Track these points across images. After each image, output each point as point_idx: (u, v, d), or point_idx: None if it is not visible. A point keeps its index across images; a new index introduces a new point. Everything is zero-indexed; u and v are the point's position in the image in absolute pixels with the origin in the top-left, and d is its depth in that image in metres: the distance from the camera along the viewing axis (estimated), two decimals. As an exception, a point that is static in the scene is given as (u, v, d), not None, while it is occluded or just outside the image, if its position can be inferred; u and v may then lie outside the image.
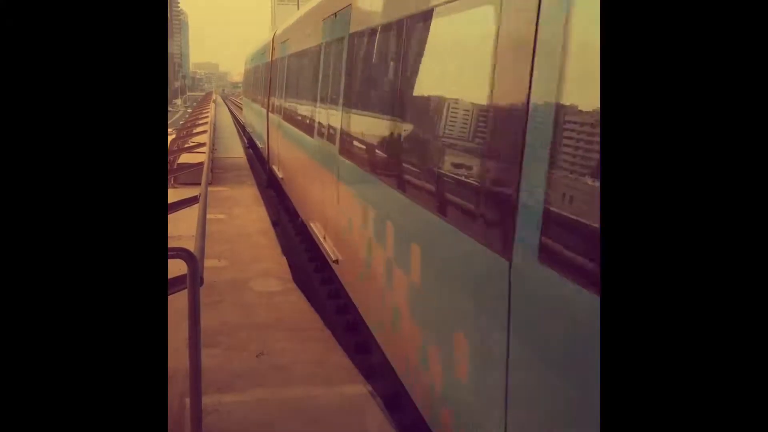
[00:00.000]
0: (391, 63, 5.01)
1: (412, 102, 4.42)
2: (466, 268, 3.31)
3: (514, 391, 2.82)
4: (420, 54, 4.33)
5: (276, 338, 6.26)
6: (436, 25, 4.03)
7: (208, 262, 7.48)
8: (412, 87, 4.46)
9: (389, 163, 4.82)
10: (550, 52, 2.54)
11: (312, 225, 8.56)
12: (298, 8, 18.86)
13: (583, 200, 2.34)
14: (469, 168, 3.30)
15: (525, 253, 2.66)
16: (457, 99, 3.67)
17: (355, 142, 6.10)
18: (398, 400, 4.95)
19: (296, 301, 7.40)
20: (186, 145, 17.97)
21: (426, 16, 4.14)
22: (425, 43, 4.23)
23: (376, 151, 5.29)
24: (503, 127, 2.94)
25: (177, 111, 68.74)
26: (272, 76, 15.79)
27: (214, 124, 24.46)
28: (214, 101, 48.03)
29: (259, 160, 21.42)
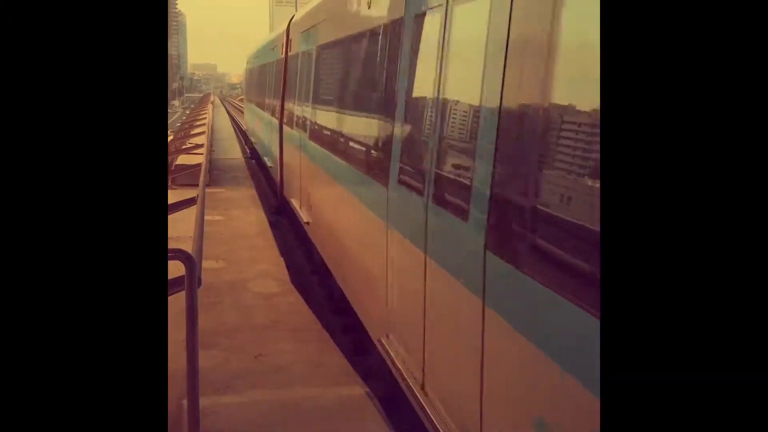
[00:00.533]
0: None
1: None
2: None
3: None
4: None
5: (274, 339, 6.26)
6: None
7: (206, 264, 7.48)
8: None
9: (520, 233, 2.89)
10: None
11: (384, 340, 4.83)
12: (296, 9, 18.28)
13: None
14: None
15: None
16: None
17: (450, 183, 3.66)
18: (396, 402, 4.95)
19: (294, 302, 7.40)
20: (184, 147, 17.96)
21: None
22: None
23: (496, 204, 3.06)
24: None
25: (175, 112, 68.73)
26: (287, 76, 11.89)
27: (212, 126, 24.43)
28: (212, 103, 47.98)
29: (266, 179, 17.78)
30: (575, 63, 2.59)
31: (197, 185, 8.75)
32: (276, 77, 13.88)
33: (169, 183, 13.08)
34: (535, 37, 2.85)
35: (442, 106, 3.78)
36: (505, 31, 3.02)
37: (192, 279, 3.82)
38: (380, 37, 5.34)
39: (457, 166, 3.60)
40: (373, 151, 5.42)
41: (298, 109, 10.04)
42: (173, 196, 7.23)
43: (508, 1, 3.02)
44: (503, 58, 3.01)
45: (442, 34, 3.82)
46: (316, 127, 8.22)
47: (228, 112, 57.36)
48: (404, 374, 4.25)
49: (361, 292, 5.91)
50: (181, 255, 3.74)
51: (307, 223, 8.80)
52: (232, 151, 23.94)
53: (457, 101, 3.72)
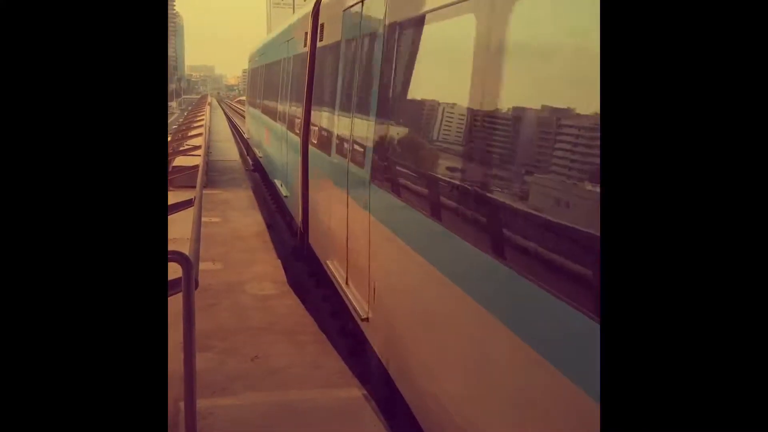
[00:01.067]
0: None
1: None
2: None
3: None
4: None
5: (271, 341, 6.25)
6: None
7: (203, 265, 7.46)
8: None
9: None
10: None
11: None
12: (294, 11, 17.65)
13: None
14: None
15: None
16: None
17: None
18: (393, 404, 4.94)
19: (291, 304, 7.39)
20: (181, 149, 17.94)
21: None
22: None
23: None
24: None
25: (172, 113, 68.66)
26: (316, 76, 8.36)
27: (210, 128, 24.40)
28: (210, 104, 47.98)
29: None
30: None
31: (194, 187, 8.73)
32: (294, 78, 10.21)
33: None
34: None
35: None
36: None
37: (189, 281, 3.81)
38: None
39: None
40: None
41: (341, 124, 6.35)
42: (170, 198, 7.21)
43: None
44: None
45: None
46: (394, 160, 4.69)
47: (225, 114, 57.34)
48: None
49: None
50: (178, 257, 3.73)
51: (366, 319, 5.36)
52: (230, 153, 23.92)
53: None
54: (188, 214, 6.27)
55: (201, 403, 4.36)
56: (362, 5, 5.92)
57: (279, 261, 9.20)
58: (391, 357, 4.83)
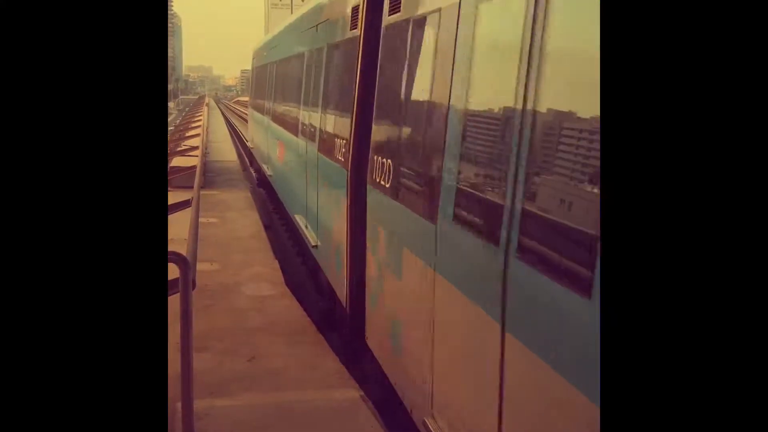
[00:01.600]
0: None
1: None
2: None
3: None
4: None
5: (268, 342, 6.25)
6: None
7: (201, 266, 7.46)
8: None
9: None
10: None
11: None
12: (292, 12, 15.47)
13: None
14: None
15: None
16: None
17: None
18: (390, 405, 4.95)
19: (288, 305, 7.39)
20: (179, 149, 17.93)
21: None
22: None
23: None
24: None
25: (170, 113, 68.50)
26: (385, 74, 5.18)
27: (207, 128, 24.38)
28: (207, 105, 47.99)
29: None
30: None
31: (192, 187, 8.73)
32: (330, 76, 7.16)
33: (164, 185, 13.04)
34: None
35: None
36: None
37: (186, 281, 3.81)
38: None
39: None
40: None
41: (455, 159, 3.61)
42: (168, 198, 7.21)
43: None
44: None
45: None
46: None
47: (223, 114, 57.34)
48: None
49: None
50: (176, 257, 3.73)
51: None
52: (227, 154, 23.91)
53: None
54: (186, 214, 6.28)
55: (198, 404, 4.36)
56: None
57: (276, 262, 9.20)
58: None
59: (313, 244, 7.67)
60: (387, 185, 4.74)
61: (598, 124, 2.17)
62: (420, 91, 4.29)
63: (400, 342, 4.52)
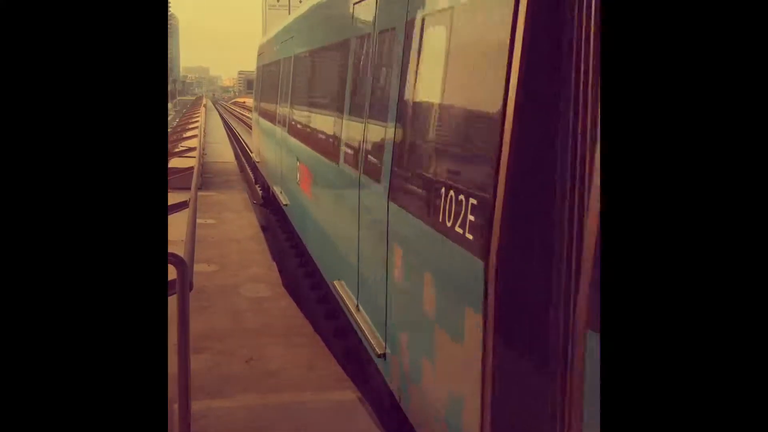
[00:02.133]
0: None
1: None
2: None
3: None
4: None
5: (265, 344, 6.24)
6: None
7: (198, 267, 7.45)
8: None
9: None
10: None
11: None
12: (289, 13, 13.59)
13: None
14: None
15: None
16: None
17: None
18: (387, 406, 4.95)
19: (286, 306, 7.39)
20: (176, 150, 17.92)
21: None
22: None
23: None
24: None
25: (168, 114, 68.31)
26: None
27: (204, 129, 24.36)
28: (205, 106, 48.01)
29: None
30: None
31: (189, 188, 8.72)
32: (424, 73, 3.87)
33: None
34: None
35: None
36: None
37: (183, 282, 3.81)
38: None
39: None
40: None
41: None
42: (165, 200, 7.19)
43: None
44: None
45: None
46: None
47: (220, 115, 57.37)
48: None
49: None
50: (173, 258, 3.73)
51: None
52: (225, 155, 23.90)
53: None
54: (183, 216, 6.27)
55: (195, 406, 4.35)
56: None
57: (274, 263, 9.19)
58: None
59: (380, 352, 4.53)
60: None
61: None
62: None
63: None
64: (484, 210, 2.79)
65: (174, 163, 15.45)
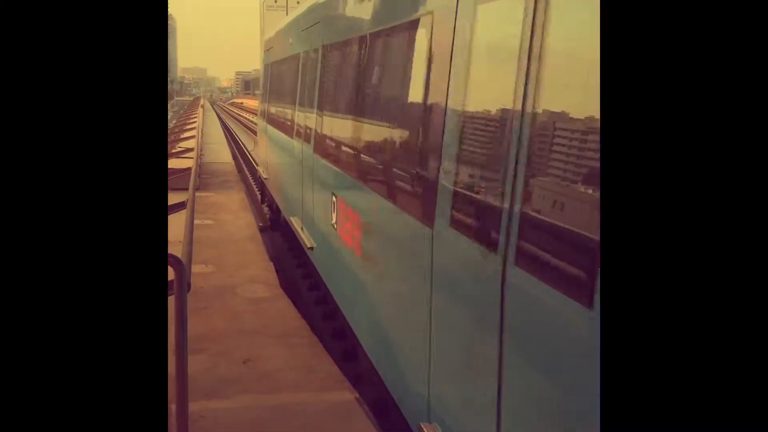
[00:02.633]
0: None
1: None
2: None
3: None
4: None
5: (263, 345, 6.24)
6: None
7: (196, 268, 7.45)
8: None
9: None
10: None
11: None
12: (287, 14, 12.97)
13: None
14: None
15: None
16: None
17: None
18: (385, 407, 4.95)
19: (283, 307, 7.38)
20: (173, 151, 17.91)
21: None
22: None
23: None
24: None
25: (164, 116, 68.23)
26: None
27: (202, 130, 24.34)
28: (202, 106, 48.01)
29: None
30: None
31: (187, 189, 8.71)
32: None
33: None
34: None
35: None
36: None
37: (181, 283, 3.81)
38: None
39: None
40: None
41: None
42: (163, 200, 7.18)
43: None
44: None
45: None
46: None
47: (218, 116, 57.36)
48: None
49: None
50: (171, 259, 3.73)
51: None
52: (223, 155, 23.88)
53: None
54: (181, 216, 6.26)
55: (192, 406, 4.35)
56: None
57: (271, 264, 9.19)
58: None
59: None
60: None
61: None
62: None
63: None
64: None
65: (172, 163, 15.45)
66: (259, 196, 15.69)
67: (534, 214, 2.58)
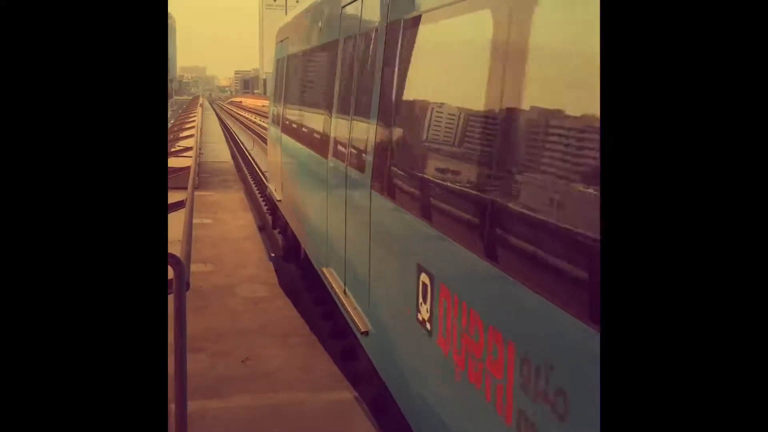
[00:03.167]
0: None
1: None
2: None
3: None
4: None
5: (262, 344, 6.24)
6: None
7: (195, 267, 7.45)
8: None
9: None
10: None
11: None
12: (286, 13, 14.00)
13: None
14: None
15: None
16: None
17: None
18: (384, 406, 4.95)
19: (282, 307, 7.38)
20: (172, 150, 17.91)
21: None
22: None
23: None
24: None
25: (163, 115, 68.15)
26: None
27: (201, 129, 24.33)
28: (201, 105, 48.03)
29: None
30: None
31: (186, 188, 8.71)
32: None
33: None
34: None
35: None
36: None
37: (180, 282, 3.81)
38: None
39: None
40: None
41: None
42: (162, 199, 7.18)
43: None
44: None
45: None
46: None
47: (217, 115, 57.35)
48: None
49: None
50: (170, 258, 3.73)
51: None
52: (221, 155, 23.88)
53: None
54: (180, 215, 6.26)
55: (191, 406, 4.35)
56: None
57: (270, 263, 9.19)
58: None
59: None
60: None
61: None
62: None
63: None
64: None
65: (171, 162, 15.46)
66: (270, 219, 13.13)
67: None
